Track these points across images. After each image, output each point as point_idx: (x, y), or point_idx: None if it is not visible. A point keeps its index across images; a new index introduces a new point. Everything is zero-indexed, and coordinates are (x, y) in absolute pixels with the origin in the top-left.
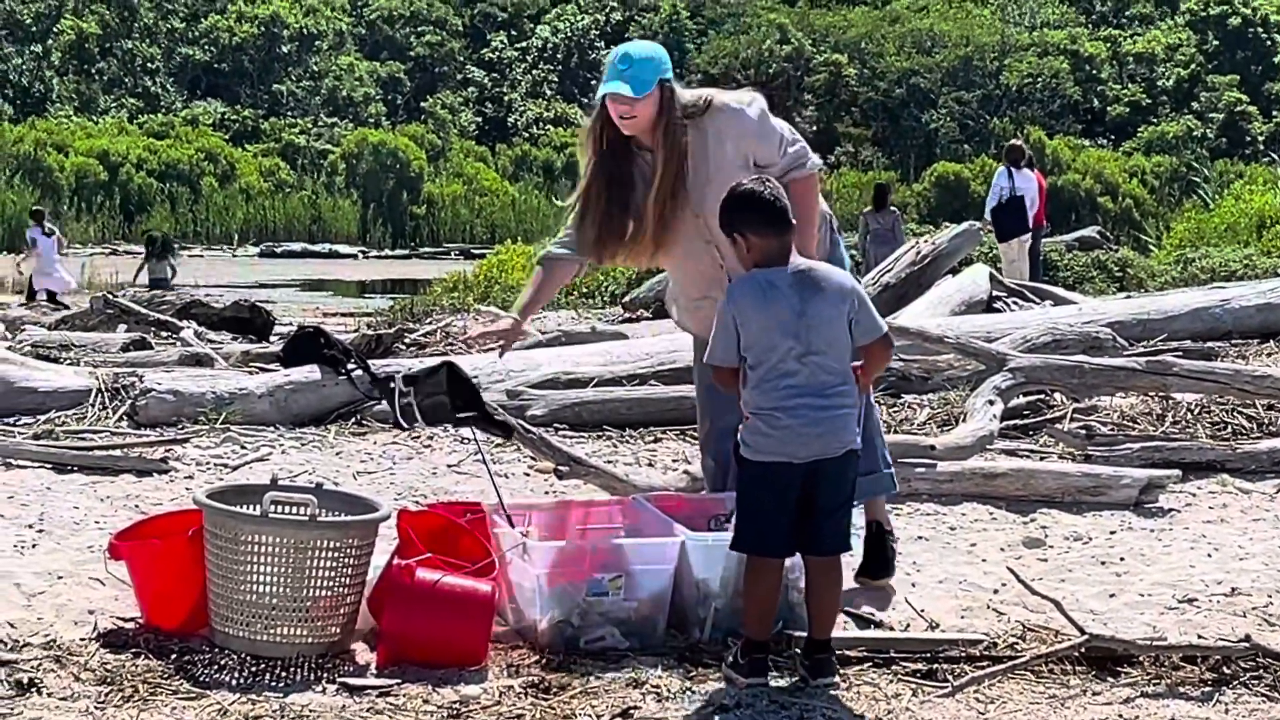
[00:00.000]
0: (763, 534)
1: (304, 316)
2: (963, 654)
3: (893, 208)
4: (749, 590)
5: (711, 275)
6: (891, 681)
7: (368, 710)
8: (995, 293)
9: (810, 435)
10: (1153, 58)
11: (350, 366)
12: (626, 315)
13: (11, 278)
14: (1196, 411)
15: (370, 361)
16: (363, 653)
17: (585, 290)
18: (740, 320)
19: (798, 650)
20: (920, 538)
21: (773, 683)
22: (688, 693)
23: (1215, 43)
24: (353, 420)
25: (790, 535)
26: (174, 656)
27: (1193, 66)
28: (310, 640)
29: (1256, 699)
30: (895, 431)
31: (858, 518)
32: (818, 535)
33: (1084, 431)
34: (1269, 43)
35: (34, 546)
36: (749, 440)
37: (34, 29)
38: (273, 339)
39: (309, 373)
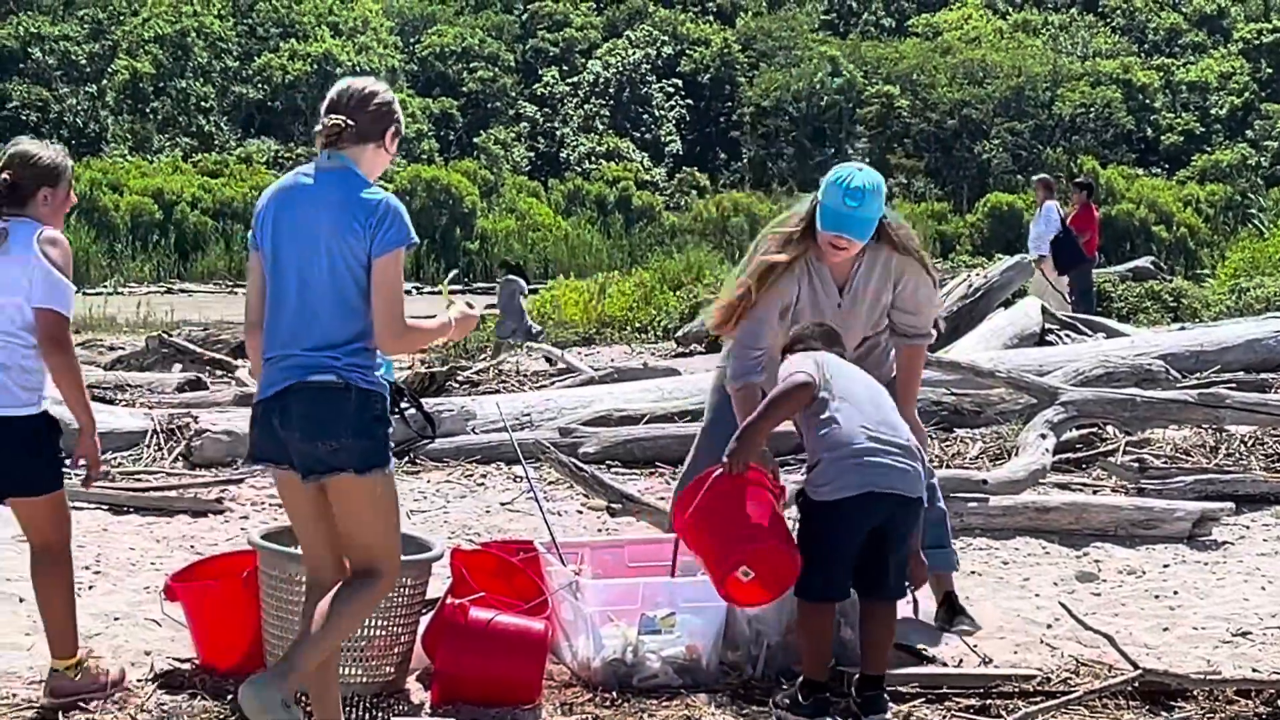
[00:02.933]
0: (829, 581)
1: None
2: (1016, 689)
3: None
4: (806, 635)
5: None
6: (945, 717)
7: None
8: (1047, 325)
9: (894, 469)
10: (1206, 86)
11: (403, 405)
12: (679, 350)
13: None
14: (1250, 443)
15: (424, 399)
16: (417, 692)
17: (638, 325)
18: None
19: (851, 687)
20: (973, 572)
21: None
22: None
23: (1269, 70)
24: (406, 459)
25: (849, 579)
26: (230, 697)
27: (1246, 94)
28: (365, 680)
29: None
30: (947, 466)
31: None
32: (884, 581)
33: (1137, 464)
34: None
35: (91, 588)
36: (826, 480)
37: (89, 69)
38: None
39: None
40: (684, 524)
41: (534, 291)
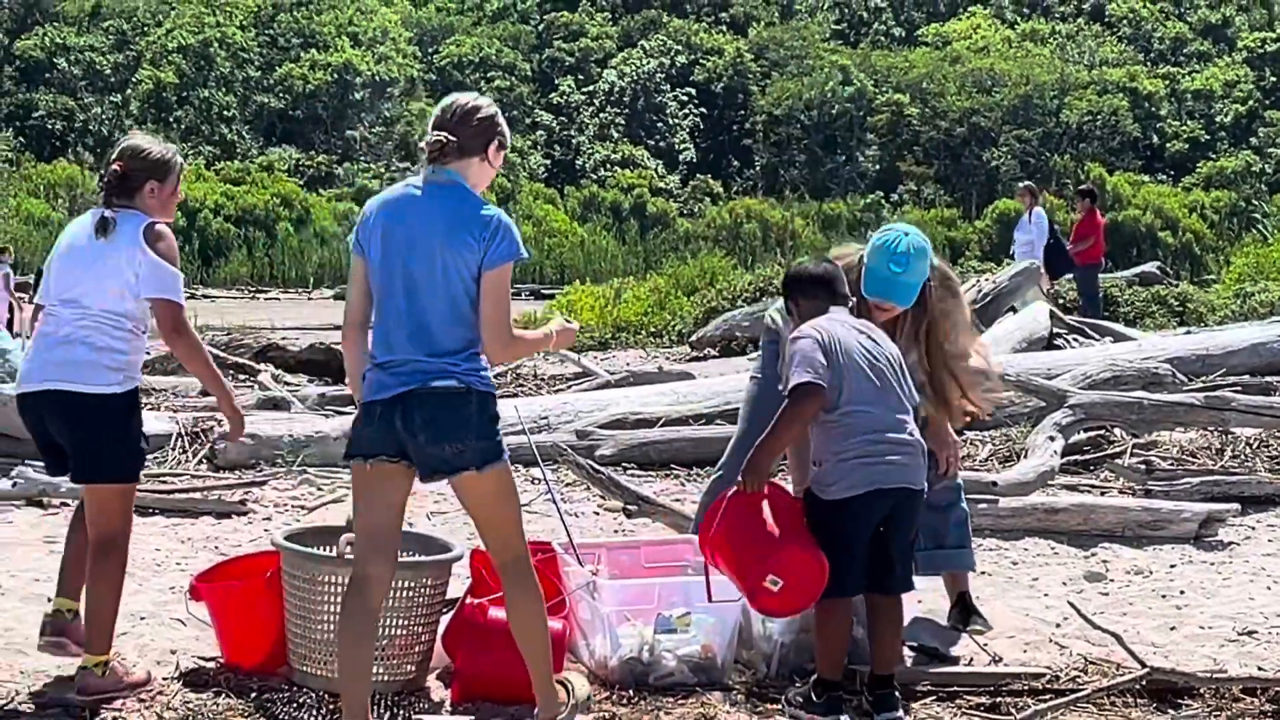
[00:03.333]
0: (842, 575)
1: None
2: (1026, 687)
3: None
4: (822, 633)
5: None
6: (955, 715)
7: None
8: (1055, 329)
9: (899, 464)
10: (1211, 94)
11: None
12: (694, 354)
13: None
14: (1255, 445)
15: None
16: (438, 690)
17: (653, 330)
18: (834, 353)
19: (863, 685)
20: (983, 573)
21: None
22: None
23: (1273, 79)
24: None
25: (863, 573)
26: (254, 695)
27: (1250, 102)
28: (386, 678)
29: None
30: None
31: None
32: (890, 575)
33: (1144, 466)
34: None
35: None
36: (833, 479)
37: (113, 79)
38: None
39: None
40: (708, 545)
41: (550, 297)
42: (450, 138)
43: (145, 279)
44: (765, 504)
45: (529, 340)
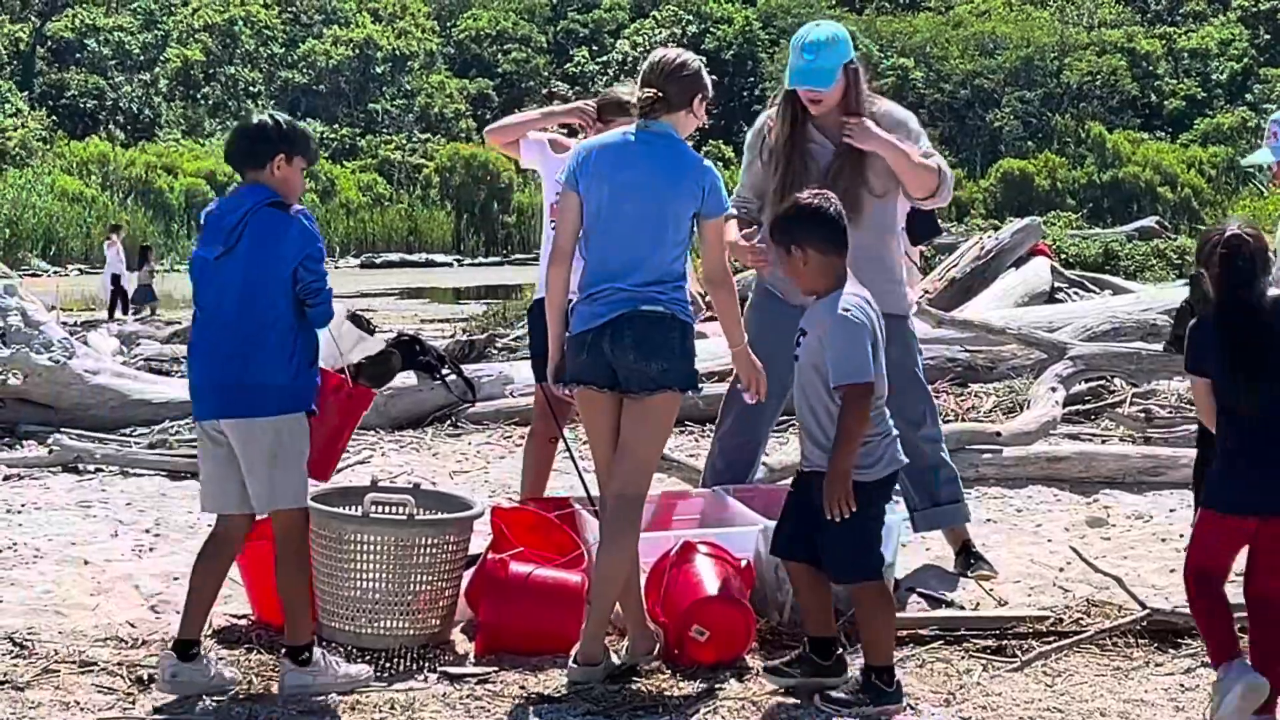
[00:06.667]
0: (875, 550)
1: (402, 324)
2: (1030, 630)
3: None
4: (873, 621)
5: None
6: (963, 657)
7: (467, 696)
8: (1056, 284)
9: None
10: (1207, 53)
11: (445, 372)
12: (707, 315)
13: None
14: None
15: (464, 366)
16: (461, 643)
17: None
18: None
19: (845, 627)
20: (989, 520)
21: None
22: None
23: (1266, 37)
24: (448, 423)
25: (792, 541)
26: (283, 651)
27: (1245, 60)
28: (411, 632)
29: None
30: (962, 419)
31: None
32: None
33: (1143, 415)
34: None
35: (151, 550)
36: (878, 455)
37: (142, 58)
38: None
39: (406, 379)
40: (653, 600)
41: None
42: (659, 94)
43: None
44: (698, 558)
45: (734, 295)
